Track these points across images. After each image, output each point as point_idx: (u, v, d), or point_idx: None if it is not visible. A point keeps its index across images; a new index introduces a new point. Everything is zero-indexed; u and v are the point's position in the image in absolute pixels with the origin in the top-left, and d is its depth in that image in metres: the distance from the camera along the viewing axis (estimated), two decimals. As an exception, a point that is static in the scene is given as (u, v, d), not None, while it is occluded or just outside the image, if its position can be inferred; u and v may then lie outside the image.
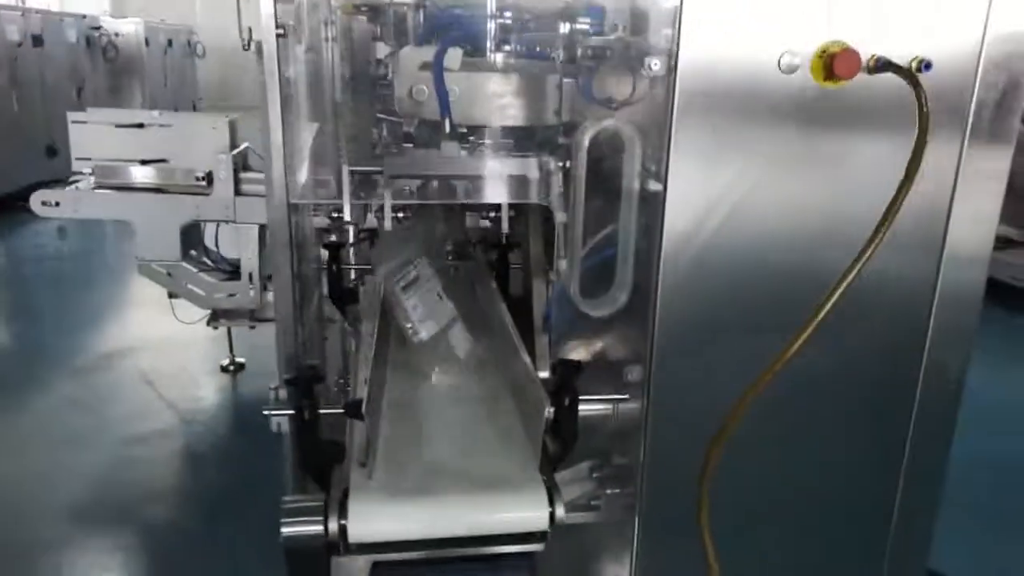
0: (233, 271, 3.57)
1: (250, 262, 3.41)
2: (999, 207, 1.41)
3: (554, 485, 1.22)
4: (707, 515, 1.20)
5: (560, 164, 1.34)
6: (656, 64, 1.24)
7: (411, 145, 1.79)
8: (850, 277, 1.13)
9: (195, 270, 3.44)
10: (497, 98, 1.83)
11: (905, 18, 1.28)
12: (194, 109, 9.20)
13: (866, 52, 1.25)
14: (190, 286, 3.44)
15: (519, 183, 1.41)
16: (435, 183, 1.45)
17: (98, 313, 4.63)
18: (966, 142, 1.35)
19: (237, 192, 3.32)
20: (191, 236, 3.49)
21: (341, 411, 1.27)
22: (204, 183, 3.30)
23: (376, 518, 1.17)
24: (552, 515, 1.19)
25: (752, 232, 1.32)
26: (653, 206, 1.26)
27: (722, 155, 1.27)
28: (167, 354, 4.00)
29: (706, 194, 1.27)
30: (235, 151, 3.31)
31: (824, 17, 1.26)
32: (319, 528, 1.14)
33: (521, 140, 1.78)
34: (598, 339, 1.41)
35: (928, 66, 1.28)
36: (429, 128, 1.88)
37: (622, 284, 1.30)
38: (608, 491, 1.45)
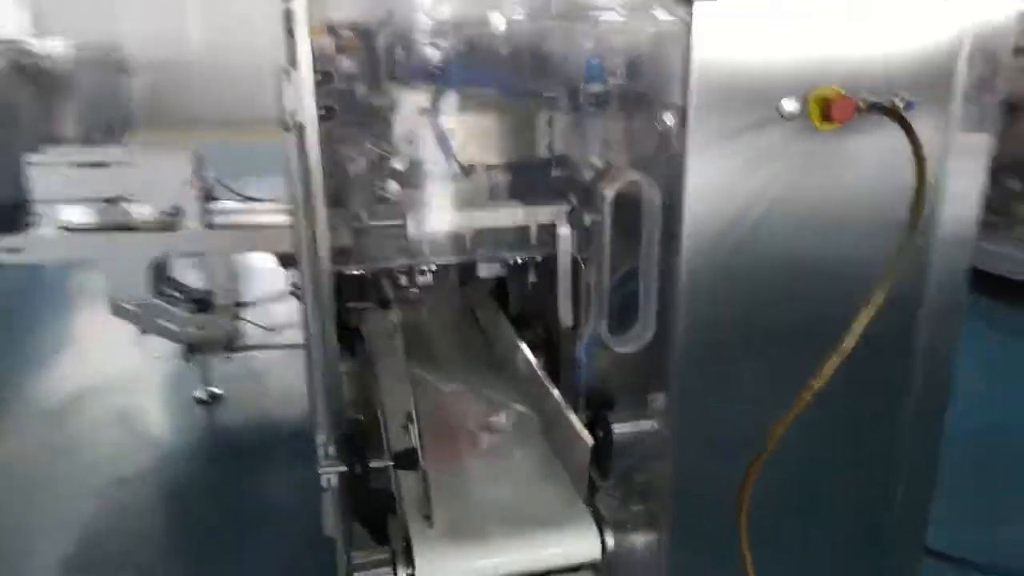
0: (203, 302, 3.56)
1: (226, 294, 3.41)
2: (983, 189, 1.52)
3: (601, 517, 1.31)
4: (746, 533, 1.31)
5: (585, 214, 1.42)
6: (669, 118, 1.33)
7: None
8: (871, 310, 1.24)
9: (166, 306, 3.42)
10: (492, 137, 1.91)
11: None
12: (126, 132, 8.92)
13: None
14: (162, 322, 3.42)
15: (549, 235, 1.49)
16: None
17: (61, 351, 4.52)
18: (951, 126, 1.46)
19: (207, 224, 3.31)
20: (159, 271, 3.47)
21: (393, 463, 1.33)
22: (171, 218, 3.28)
23: (442, 567, 1.23)
24: (603, 544, 1.28)
25: (766, 253, 1.43)
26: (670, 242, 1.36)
27: (733, 191, 1.37)
28: (139, 391, 3.94)
29: (720, 225, 1.37)
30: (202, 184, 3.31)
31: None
32: (398, 581, 1.20)
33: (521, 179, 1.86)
34: (624, 371, 1.50)
35: (911, 105, 1.40)
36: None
37: (647, 321, 1.39)
38: (635, 508, 1.54)
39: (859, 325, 1.24)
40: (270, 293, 3.95)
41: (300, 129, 1.22)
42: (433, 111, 1.87)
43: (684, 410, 1.43)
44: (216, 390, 3.82)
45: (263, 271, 3.94)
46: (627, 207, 1.42)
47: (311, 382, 1.95)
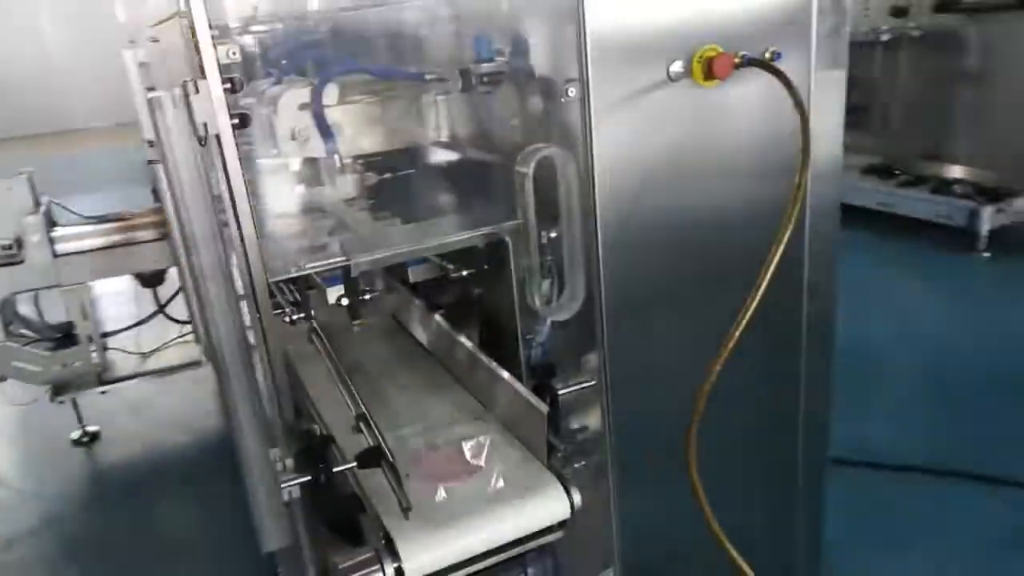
0: (62, 337, 3.32)
1: (87, 325, 3.19)
2: (843, 120, 1.69)
3: (565, 477, 1.38)
4: (695, 463, 1.41)
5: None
6: (572, 91, 1.39)
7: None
8: (778, 254, 1.36)
9: (20, 347, 3.16)
10: (379, 125, 1.90)
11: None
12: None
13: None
14: (20, 365, 3.16)
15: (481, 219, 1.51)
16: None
17: None
18: (812, 67, 1.61)
19: (54, 254, 3.08)
20: (5, 309, 3.19)
21: (357, 464, 1.33)
22: (14, 251, 3.02)
23: (425, 552, 1.26)
24: (571, 503, 1.35)
25: (671, 207, 1.53)
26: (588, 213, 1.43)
27: (636, 152, 1.46)
28: (7, 442, 3.62)
29: (629, 185, 1.46)
30: (41, 209, 3.06)
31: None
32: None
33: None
34: (560, 339, 1.56)
35: (779, 55, 1.54)
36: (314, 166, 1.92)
37: (575, 289, 1.46)
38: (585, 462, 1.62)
39: (770, 265, 1.36)
40: (135, 317, 3.74)
41: (216, 140, 1.18)
42: (313, 105, 1.82)
43: (614, 364, 1.51)
44: (93, 428, 3.57)
45: (121, 294, 3.71)
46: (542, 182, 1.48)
47: (230, 396, 1.89)
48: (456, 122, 1.77)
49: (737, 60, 1.48)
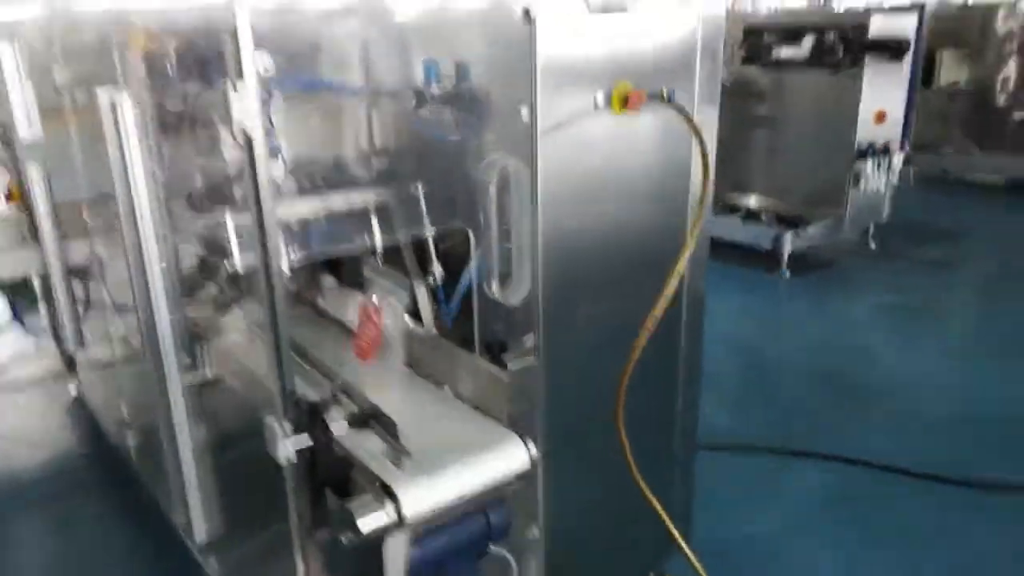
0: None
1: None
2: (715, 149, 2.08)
3: (525, 435, 1.65)
4: (623, 425, 1.73)
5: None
6: (524, 112, 1.68)
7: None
8: (683, 261, 1.73)
9: None
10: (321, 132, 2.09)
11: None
12: None
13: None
14: None
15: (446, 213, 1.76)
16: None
17: None
18: (696, 104, 2.00)
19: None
20: None
21: (349, 424, 1.53)
22: None
23: (417, 495, 1.48)
24: (531, 456, 1.63)
25: (595, 213, 1.86)
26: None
27: (568, 166, 1.77)
28: None
29: (563, 193, 1.77)
30: None
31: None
32: (391, 515, 1.42)
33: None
34: (507, 320, 1.83)
35: (672, 93, 1.92)
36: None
37: (523, 277, 1.75)
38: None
39: (677, 272, 1.72)
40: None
41: (249, 141, 1.35)
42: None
43: (550, 346, 1.81)
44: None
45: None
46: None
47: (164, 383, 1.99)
48: (406, 132, 2.00)
49: (647, 95, 1.85)
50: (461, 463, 1.56)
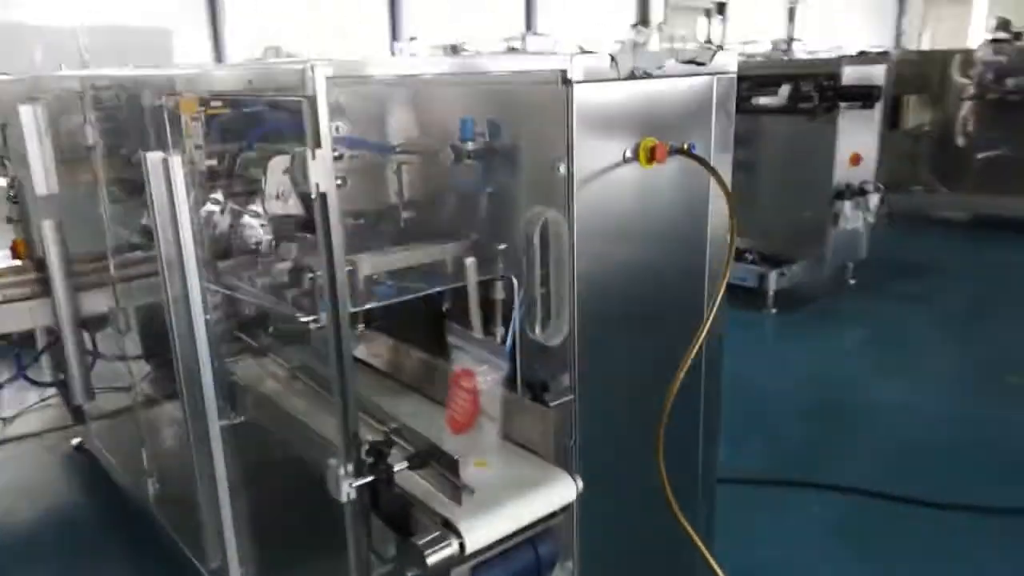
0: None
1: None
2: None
3: (571, 468, 1.74)
4: (663, 459, 1.83)
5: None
6: (562, 167, 1.81)
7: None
8: (719, 299, 1.85)
9: None
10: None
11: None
12: None
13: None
14: None
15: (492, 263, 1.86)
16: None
17: None
18: (712, 151, 2.15)
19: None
20: None
21: (409, 465, 1.61)
22: None
23: (481, 531, 1.56)
24: (577, 487, 1.72)
25: (625, 258, 1.99)
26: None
27: (600, 215, 1.89)
28: None
29: (596, 240, 1.89)
30: None
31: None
32: (454, 549, 1.50)
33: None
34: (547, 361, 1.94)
35: (693, 146, 2.06)
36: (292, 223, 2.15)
37: (562, 317, 1.85)
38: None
39: (716, 308, 1.84)
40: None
41: (323, 197, 1.45)
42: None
43: (583, 382, 1.91)
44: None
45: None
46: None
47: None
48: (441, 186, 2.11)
49: (670, 149, 1.98)
50: (516, 498, 1.64)
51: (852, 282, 6.39)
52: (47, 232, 3.21)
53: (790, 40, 10.74)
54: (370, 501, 1.62)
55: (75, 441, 3.93)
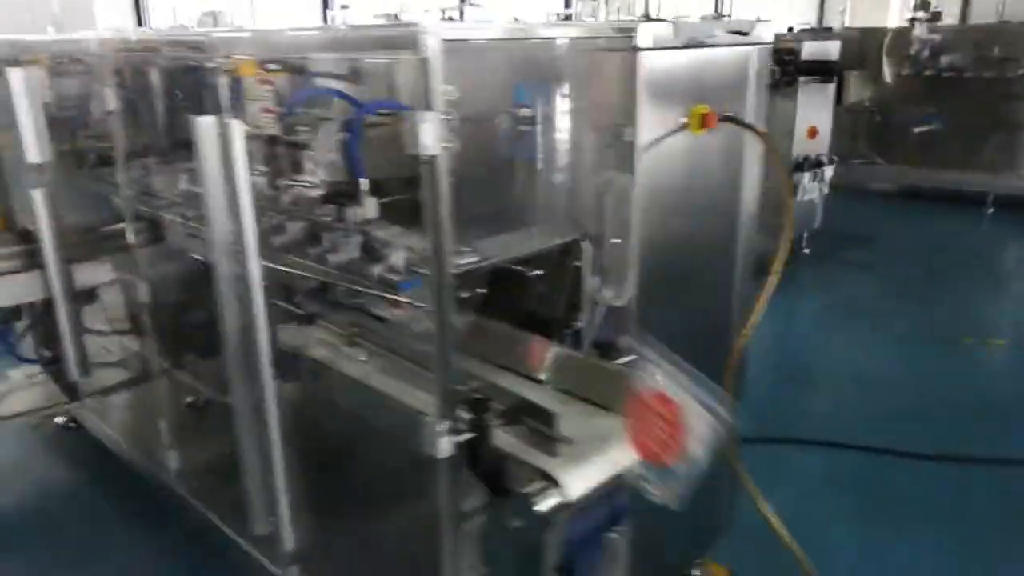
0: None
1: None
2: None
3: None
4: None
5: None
6: (628, 132, 1.87)
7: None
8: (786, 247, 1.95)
9: None
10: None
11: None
12: None
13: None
14: None
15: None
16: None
17: None
18: (747, 110, 2.24)
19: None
20: None
21: (504, 420, 1.66)
22: None
23: (579, 482, 1.63)
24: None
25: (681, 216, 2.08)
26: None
27: (655, 181, 1.97)
28: None
29: (657, 201, 1.96)
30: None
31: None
32: (558, 498, 1.57)
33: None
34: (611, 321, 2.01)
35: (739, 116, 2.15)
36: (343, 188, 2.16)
37: (628, 277, 1.93)
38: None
39: (776, 271, 1.95)
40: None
41: (432, 160, 1.48)
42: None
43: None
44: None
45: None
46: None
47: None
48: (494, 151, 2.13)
49: (720, 116, 2.07)
50: (603, 450, 1.71)
51: (807, 251, 6.65)
52: (38, 201, 3.10)
53: (719, 16, 10.96)
54: (466, 457, 1.67)
55: (60, 419, 3.82)
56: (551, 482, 1.61)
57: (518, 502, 1.58)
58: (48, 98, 2.94)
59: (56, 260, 3.17)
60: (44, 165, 3.08)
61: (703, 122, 2.04)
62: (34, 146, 3.03)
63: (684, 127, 2.02)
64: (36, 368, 3.76)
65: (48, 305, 3.30)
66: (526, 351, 1.94)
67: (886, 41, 8.80)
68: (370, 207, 1.99)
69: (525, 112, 2.02)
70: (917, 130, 8.69)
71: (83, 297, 3.39)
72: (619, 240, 1.90)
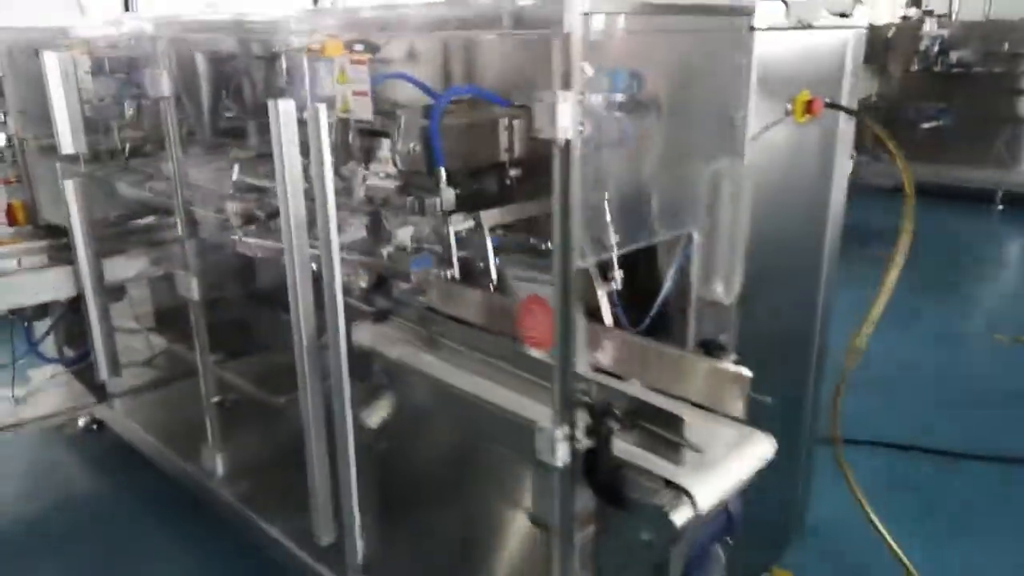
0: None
1: None
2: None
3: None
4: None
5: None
6: (740, 117, 1.76)
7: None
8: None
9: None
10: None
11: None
12: None
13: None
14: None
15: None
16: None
17: None
18: (840, 122, 2.15)
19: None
20: None
21: (622, 425, 1.55)
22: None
23: (709, 491, 1.52)
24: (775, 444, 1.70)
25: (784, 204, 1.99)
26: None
27: (767, 164, 1.86)
28: None
29: (765, 188, 1.86)
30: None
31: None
32: (691, 510, 1.46)
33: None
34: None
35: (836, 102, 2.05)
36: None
37: (737, 273, 1.82)
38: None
39: (896, 266, 1.85)
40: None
41: (567, 144, 1.36)
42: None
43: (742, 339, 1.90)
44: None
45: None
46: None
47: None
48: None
49: (824, 103, 1.97)
50: (728, 458, 1.61)
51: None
52: (70, 193, 2.95)
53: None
54: (584, 465, 1.56)
55: (82, 421, 3.67)
56: (679, 491, 1.50)
57: (642, 513, 1.47)
58: (86, 84, 2.79)
59: (88, 255, 3.02)
60: (78, 156, 2.94)
61: (807, 109, 1.94)
62: (68, 136, 2.88)
63: (788, 114, 1.93)
64: (58, 368, 3.62)
65: (75, 302, 3.15)
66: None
67: (890, 35, 8.75)
68: (448, 197, 1.89)
69: (629, 96, 1.91)
70: (925, 126, 8.66)
71: (113, 294, 3.26)
72: (730, 233, 1.79)
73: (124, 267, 3.18)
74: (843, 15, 2.03)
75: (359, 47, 1.83)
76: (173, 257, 3.06)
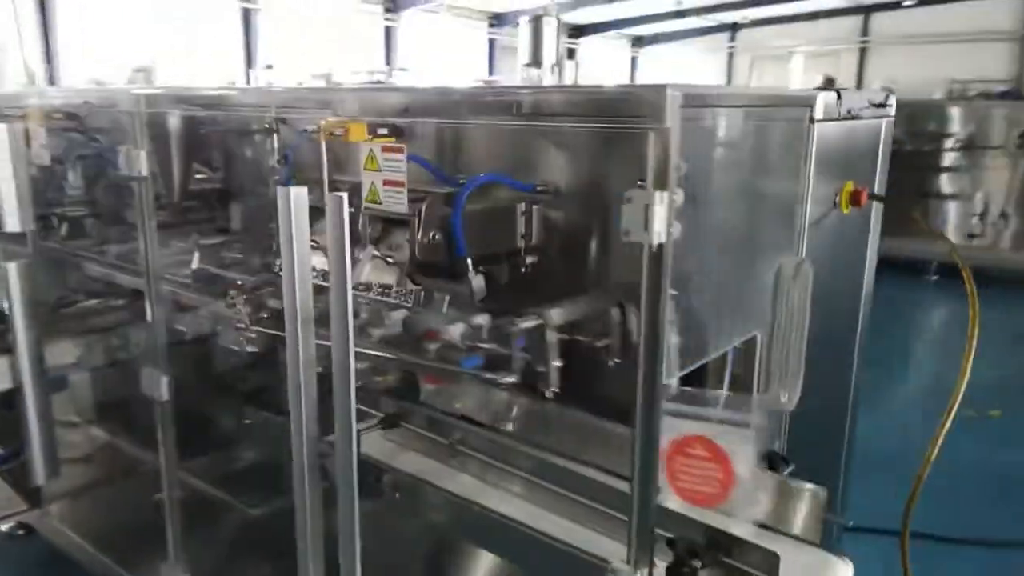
0: None
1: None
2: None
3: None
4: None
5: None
6: (798, 210, 1.65)
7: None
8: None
9: None
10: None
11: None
12: None
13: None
14: None
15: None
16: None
17: None
18: (876, 184, 2.07)
19: None
20: None
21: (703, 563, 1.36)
22: None
23: None
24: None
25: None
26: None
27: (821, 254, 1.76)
28: None
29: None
30: None
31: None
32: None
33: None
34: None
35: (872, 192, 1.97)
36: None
37: (799, 376, 1.68)
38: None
39: (971, 347, 1.74)
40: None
41: (659, 249, 1.20)
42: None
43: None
44: None
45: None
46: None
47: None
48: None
49: (869, 194, 1.88)
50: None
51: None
52: (13, 277, 2.63)
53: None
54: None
55: (6, 527, 3.23)
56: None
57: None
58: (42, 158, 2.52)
59: (28, 343, 2.69)
60: (24, 234, 2.64)
61: (852, 200, 1.85)
62: (14, 213, 2.58)
63: (835, 205, 1.83)
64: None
65: (8, 395, 2.79)
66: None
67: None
68: (478, 286, 1.71)
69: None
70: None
71: (54, 383, 2.91)
72: (793, 334, 1.65)
73: (66, 353, 2.85)
74: (880, 105, 1.96)
75: (383, 130, 1.65)
76: (126, 343, 2.77)
